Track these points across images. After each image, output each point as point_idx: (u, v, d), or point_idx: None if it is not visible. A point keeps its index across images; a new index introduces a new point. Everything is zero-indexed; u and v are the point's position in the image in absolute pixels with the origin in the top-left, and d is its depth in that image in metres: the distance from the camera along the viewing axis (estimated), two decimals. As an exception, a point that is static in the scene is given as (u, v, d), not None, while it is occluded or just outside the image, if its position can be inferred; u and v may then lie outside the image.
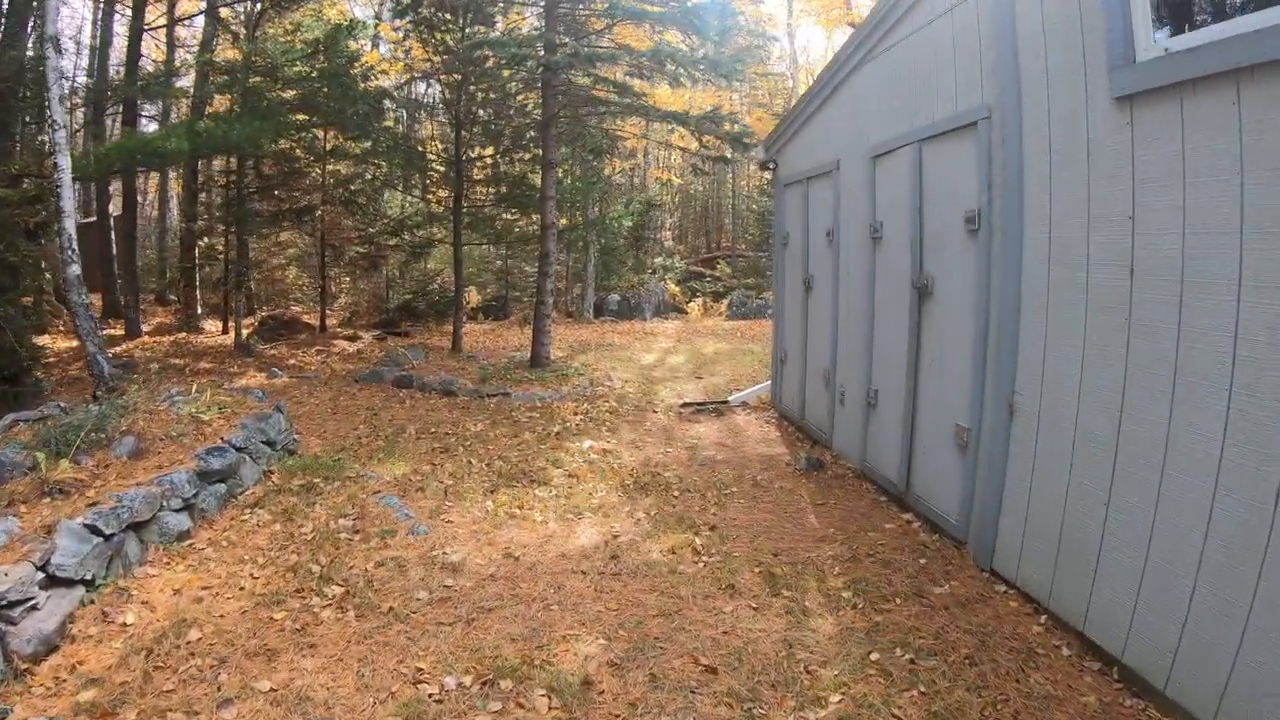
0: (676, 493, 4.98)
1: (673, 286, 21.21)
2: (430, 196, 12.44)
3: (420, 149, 11.40)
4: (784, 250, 6.94)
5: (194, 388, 5.59)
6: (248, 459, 5.07)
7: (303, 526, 4.30)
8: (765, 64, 24.53)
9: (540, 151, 10.20)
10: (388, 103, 10.73)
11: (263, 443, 5.40)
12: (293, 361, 11.01)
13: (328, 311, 15.00)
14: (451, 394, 8.37)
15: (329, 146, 12.11)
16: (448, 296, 14.10)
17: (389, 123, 10.64)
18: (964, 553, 4.04)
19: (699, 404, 7.49)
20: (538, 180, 11.08)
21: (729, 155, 9.80)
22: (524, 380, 9.09)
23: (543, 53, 7.93)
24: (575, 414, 7.33)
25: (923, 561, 3.95)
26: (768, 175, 24.14)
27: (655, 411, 7.43)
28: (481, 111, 10.80)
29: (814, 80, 6.25)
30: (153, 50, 17.14)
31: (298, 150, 12.06)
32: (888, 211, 4.92)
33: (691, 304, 20.96)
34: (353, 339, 12.90)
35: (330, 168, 12.92)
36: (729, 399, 7.43)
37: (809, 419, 6.47)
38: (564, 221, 13.77)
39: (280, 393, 8.57)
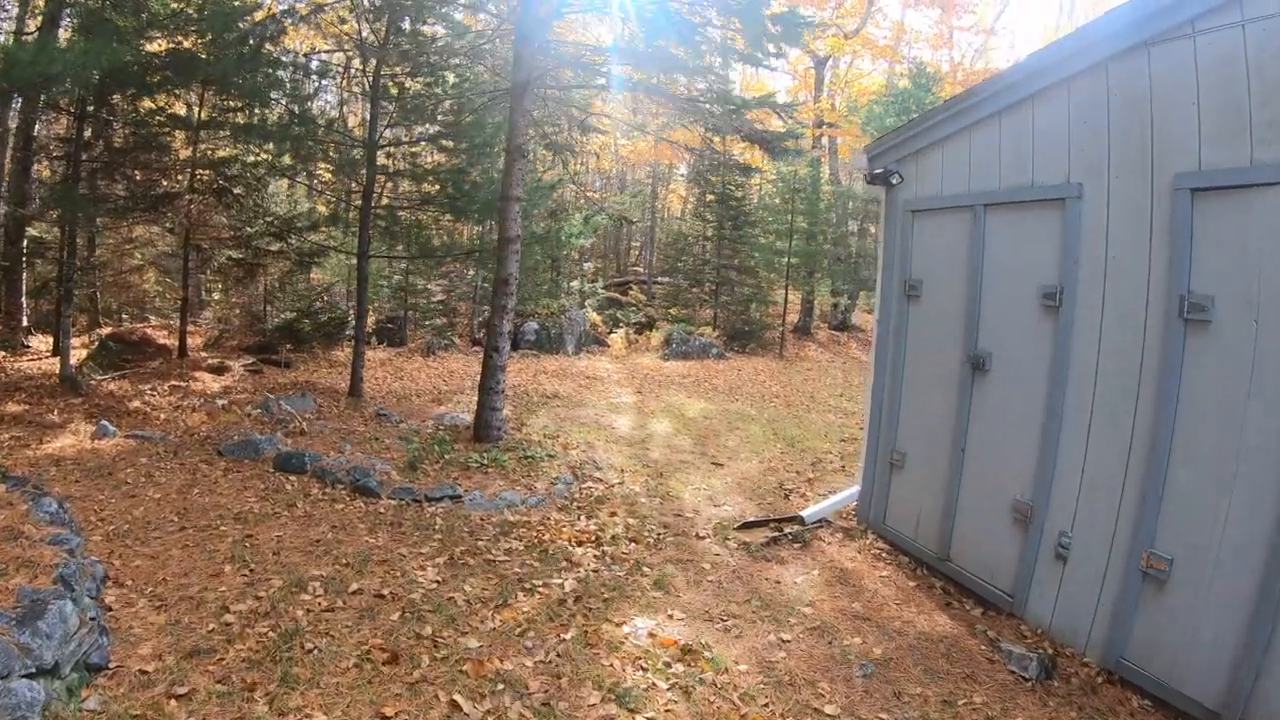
0: (899, 785, 2.69)
1: (593, 315, 18.92)
2: (327, 190, 9.38)
3: (319, 126, 8.34)
4: (909, 305, 4.90)
5: None
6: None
7: None
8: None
9: (497, 136, 7.62)
10: (280, 70, 7.60)
11: (30, 675, 2.60)
12: (136, 404, 7.74)
13: (192, 328, 11.61)
14: (369, 493, 5.54)
15: (201, 115, 8.75)
16: (338, 317, 10.97)
17: (281, 79, 7.56)
18: None
19: (766, 525, 5.25)
20: (480, 175, 8.41)
21: (755, 165, 7.71)
22: (473, 466, 6.39)
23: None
24: (578, 542, 4.84)
25: None
26: (698, 192, 22.76)
27: (701, 536, 5.08)
28: (409, 81, 8.00)
29: (1011, 68, 4.30)
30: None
31: (165, 113, 8.53)
32: (1232, 280, 3.05)
33: (613, 335, 18.82)
34: (219, 369, 9.67)
35: (204, 145, 9.50)
36: (802, 514, 5.26)
37: (962, 562, 4.43)
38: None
39: (105, 471, 5.58)
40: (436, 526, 4.99)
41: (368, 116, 8.31)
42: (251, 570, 4.15)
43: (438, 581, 4.15)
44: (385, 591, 3.97)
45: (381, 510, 5.26)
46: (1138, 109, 3.52)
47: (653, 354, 16.93)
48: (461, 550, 4.60)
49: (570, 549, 4.71)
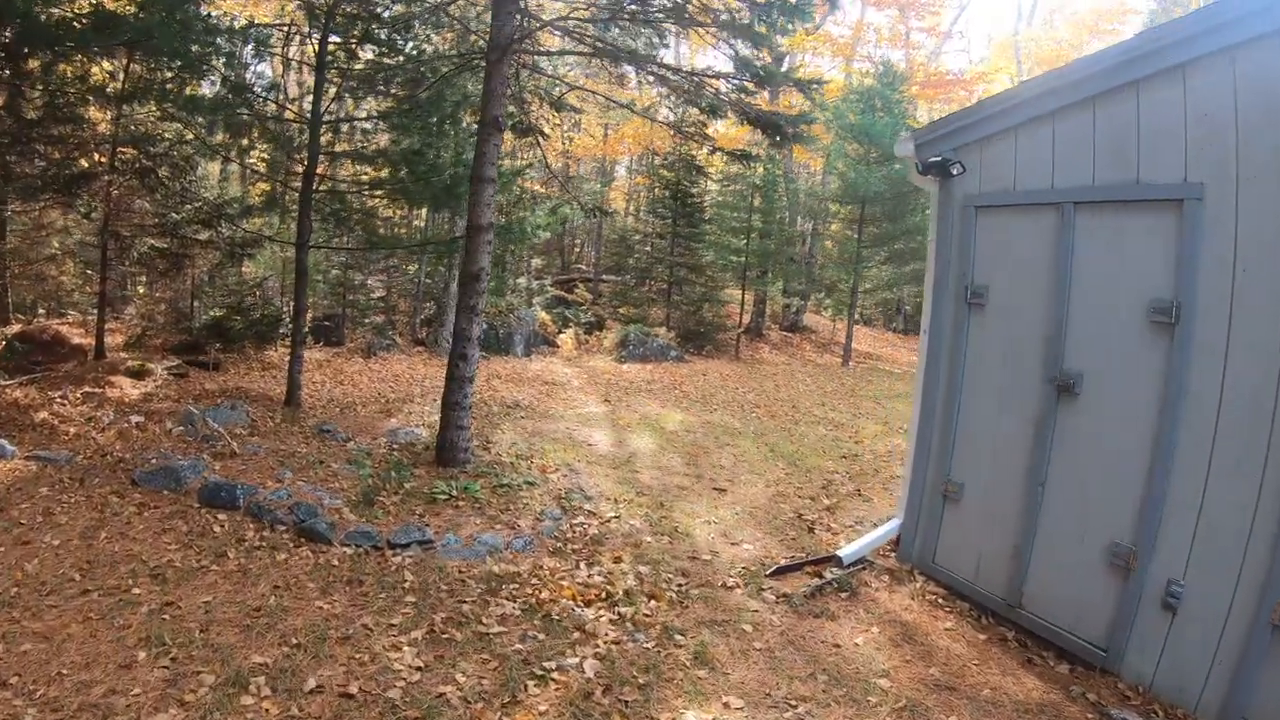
0: None
1: (542, 314, 18.01)
2: (263, 173, 8.28)
3: (258, 97, 7.21)
4: (969, 314, 4.34)
5: None
6: None
7: None
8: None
9: (458, 112, 6.70)
10: (217, 36, 6.44)
11: None
12: (43, 416, 6.55)
13: (113, 325, 10.47)
14: (318, 538, 4.59)
15: (124, 86, 7.48)
16: (271, 314, 9.89)
17: (217, 44, 6.42)
18: None
19: (800, 568, 4.60)
20: (436, 156, 7.44)
21: (754, 153, 7.04)
22: (440, 498, 5.49)
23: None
24: (585, 601, 4.07)
25: None
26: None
27: (729, 586, 4.38)
28: (360, 50, 6.97)
29: (1106, 50, 3.77)
30: None
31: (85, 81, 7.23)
32: None
33: (562, 335, 18.00)
34: (139, 373, 8.50)
35: (124, 121, 8.17)
36: (840, 554, 4.64)
37: (1039, 610, 3.91)
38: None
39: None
40: (407, 584, 4.10)
41: (314, 89, 7.22)
42: (174, 659, 3.20)
43: (419, 668, 3.30)
44: (353, 688, 3.09)
45: (335, 562, 4.33)
46: (1271, 104, 3.06)
47: (606, 356, 16.22)
48: (443, 619, 3.74)
49: (578, 612, 3.92)
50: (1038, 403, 3.91)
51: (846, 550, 4.67)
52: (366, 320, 13.74)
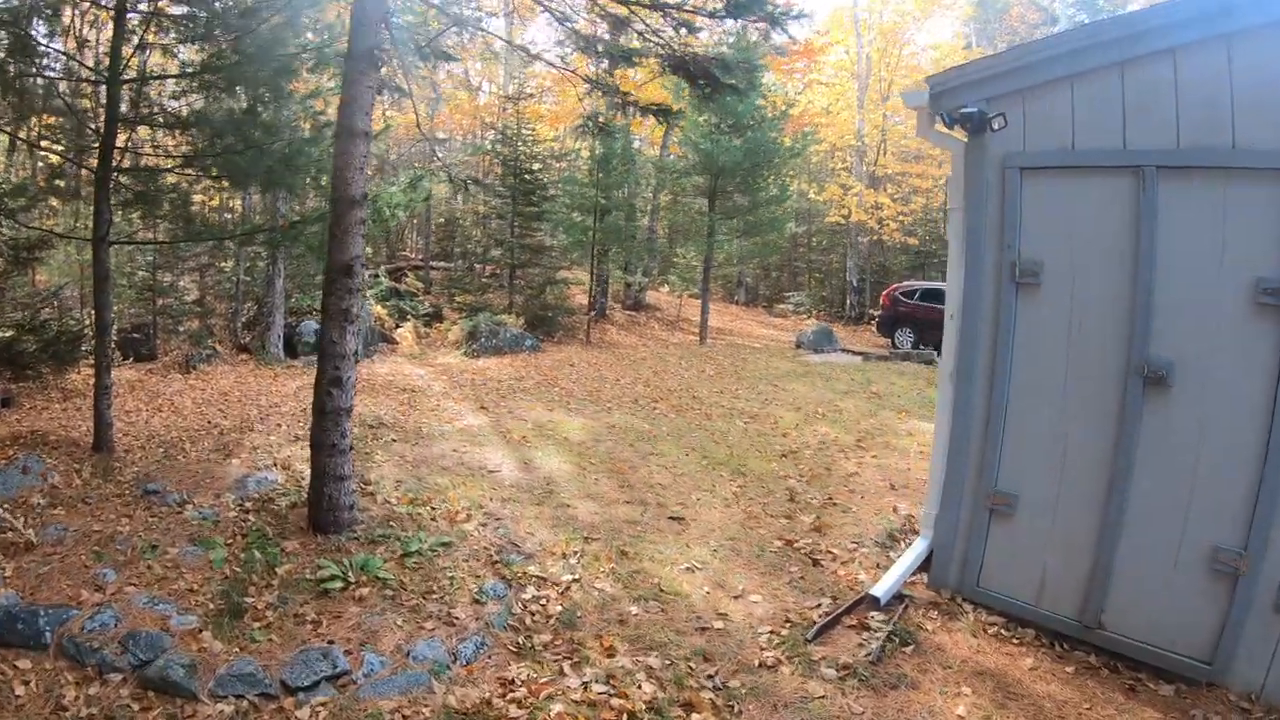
0: None
1: (377, 308, 15.90)
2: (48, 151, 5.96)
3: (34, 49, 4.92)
4: (1018, 296, 3.77)
5: None
6: None
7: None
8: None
9: (294, 65, 5.06)
10: None
11: None
12: None
13: None
14: (175, 691, 3.11)
15: None
16: (71, 330, 7.87)
17: None
18: None
19: (838, 622, 3.83)
20: (269, 115, 5.58)
21: (674, 108, 5.95)
22: (333, 587, 4.01)
23: None
24: None
25: None
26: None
27: (769, 665, 3.50)
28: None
29: None
30: None
31: None
32: None
33: (401, 330, 16.10)
34: None
35: None
36: (875, 593, 3.94)
37: (1124, 629, 3.53)
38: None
39: None
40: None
41: (112, 39, 5.07)
42: None
43: None
44: None
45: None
46: None
47: (453, 350, 14.67)
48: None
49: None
50: (1118, 397, 3.44)
51: (880, 588, 4.00)
52: (181, 328, 11.84)
